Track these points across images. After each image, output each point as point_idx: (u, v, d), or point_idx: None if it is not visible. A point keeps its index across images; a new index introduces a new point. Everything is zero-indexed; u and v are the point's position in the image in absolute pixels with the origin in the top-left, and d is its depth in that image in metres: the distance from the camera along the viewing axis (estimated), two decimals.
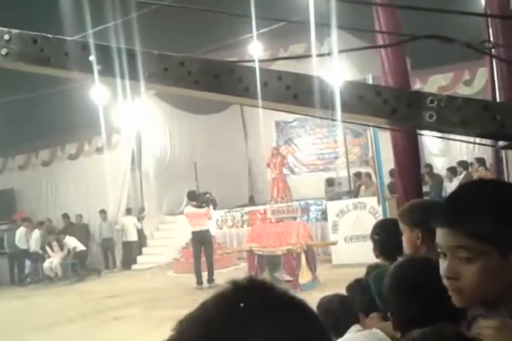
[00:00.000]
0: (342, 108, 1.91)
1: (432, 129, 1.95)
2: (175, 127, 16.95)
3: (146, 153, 16.36)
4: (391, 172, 12.45)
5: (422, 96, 1.95)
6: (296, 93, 1.91)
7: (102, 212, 16.18)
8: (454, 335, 1.41)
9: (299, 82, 2.00)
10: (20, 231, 15.69)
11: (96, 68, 1.97)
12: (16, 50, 2.00)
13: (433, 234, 2.34)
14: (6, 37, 2.01)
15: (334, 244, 11.25)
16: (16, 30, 2.06)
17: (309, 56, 5.95)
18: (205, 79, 1.93)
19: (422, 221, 2.40)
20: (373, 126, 2.77)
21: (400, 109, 1.91)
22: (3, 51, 2.01)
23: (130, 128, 15.73)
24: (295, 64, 8.24)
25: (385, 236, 3.07)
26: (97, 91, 13.58)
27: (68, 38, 2.06)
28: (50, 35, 1.99)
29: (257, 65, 2.12)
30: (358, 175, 13.47)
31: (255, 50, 12.37)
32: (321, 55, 4.80)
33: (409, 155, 3.13)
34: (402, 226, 2.55)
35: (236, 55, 12.78)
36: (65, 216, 16.48)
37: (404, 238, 2.55)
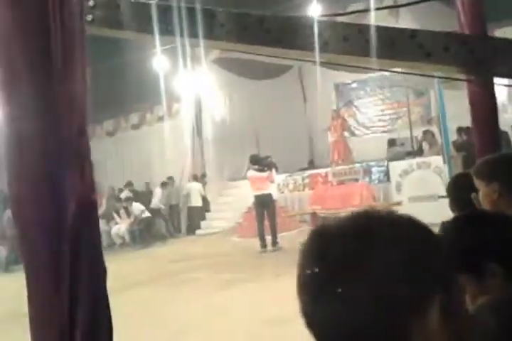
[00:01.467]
0: (426, 59, 1.87)
1: None
2: (234, 93, 16.98)
3: (207, 120, 16.52)
4: (459, 130, 12.17)
5: (509, 43, 1.88)
6: (378, 45, 1.89)
7: (169, 179, 16.56)
8: None
9: (379, 35, 1.97)
10: None
11: (175, 30, 2.00)
12: (101, 16, 2.06)
13: (510, 188, 2.29)
14: (91, 3, 2.07)
15: (398, 204, 11.15)
16: None
17: (367, 10, 5.80)
18: (286, 36, 1.92)
19: (498, 174, 2.35)
20: (449, 78, 2.69)
21: (487, 58, 1.86)
22: (89, 17, 2.07)
23: (190, 97, 15.89)
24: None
25: (458, 189, 3.03)
26: (158, 61, 13.76)
27: (146, 1, 2.10)
28: (131, 0, 2.05)
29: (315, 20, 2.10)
30: (426, 132, 13.23)
31: (315, 11, 12.13)
32: (380, 9, 4.67)
33: (487, 109, 3.03)
34: (477, 182, 2.48)
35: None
36: (129, 183, 16.98)
37: (480, 193, 2.50)
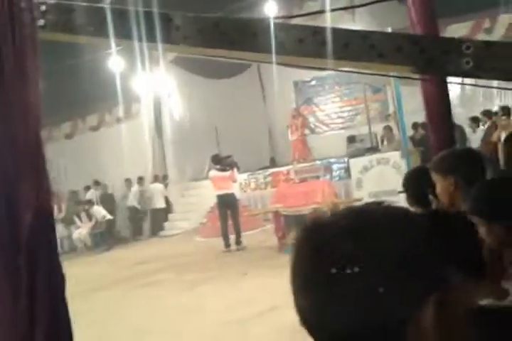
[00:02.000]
0: (379, 60, 1.92)
1: (469, 76, 1.95)
2: (193, 93, 16.93)
3: (167, 120, 16.43)
4: (414, 126, 12.41)
5: (458, 43, 1.95)
6: (333, 47, 1.93)
7: (127, 180, 16.40)
8: None
9: (333, 37, 2.01)
10: None
11: (132, 34, 2.00)
12: (54, 21, 2.04)
13: (467, 181, 2.38)
14: (43, 8, 2.04)
15: (359, 200, 11.27)
16: (52, 1, 2.08)
17: (323, 12, 5.84)
18: (242, 38, 1.94)
19: (454, 168, 2.44)
20: (404, 78, 2.75)
21: (437, 58, 1.92)
22: (41, 22, 2.04)
23: (149, 97, 15.77)
24: (311, 22, 8.12)
25: (414, 184, 3.11)
26: (115, 62, 13.60)
27: (101, 5, 2.08)
28: (85, 4, 2.02)
29: (272, 22, 2.13)
30: (387, 128, 13.44)
31: (270, 10, 12.19)
32: (336, 10, 4.73)
33: (440, 106, 3.12)
34: (435, 176, 2.57)
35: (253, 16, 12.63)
36: (97, 184, 16.79)
37: (438, 187, 2.58)
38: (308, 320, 0.77)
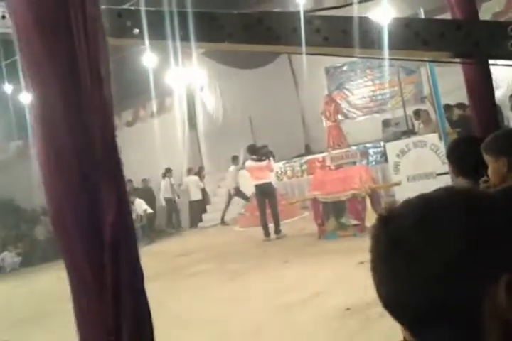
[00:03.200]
0: (424, 47, 1.93)
1: None
2: (226, 84, 16.98)
3: (201, 112, 16.52)
4: (447, 107, 12.21)
5: (503, 26, 1.94)
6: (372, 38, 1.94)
7: (168, 171, 16.58)
8: None
9: (376, 26, 2.02)
10: None
11: (178, 35, 2.05)
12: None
13: None
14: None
15: (398, 184, 11.21)
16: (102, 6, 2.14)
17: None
18: (286, 34, 1.98)
19: (506, 149, 2.43)
20: (446, 62, 2.74)
21: (482, 42, 1.92)
22: None
23: (182, 90, 15.87)
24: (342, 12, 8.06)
25: (461, 153, 3.08)
26: (148, 57, 13.71)
27: (146, 8, 2.13)
28: (132, 8, 2.08)
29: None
30: (417, 112, 13.25)
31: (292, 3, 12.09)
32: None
33: (483, 88, 3.09)
34: (487, 157, 2.55)
35: (281, 7, 12.57)
36: (129, 181, 16.99)
37: (490, 169, 2.57)
38: (390, 304, 0.82)
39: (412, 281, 0.76)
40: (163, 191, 16.61)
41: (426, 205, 0.81)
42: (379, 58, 2.53)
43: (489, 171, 2.58)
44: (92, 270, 1.29)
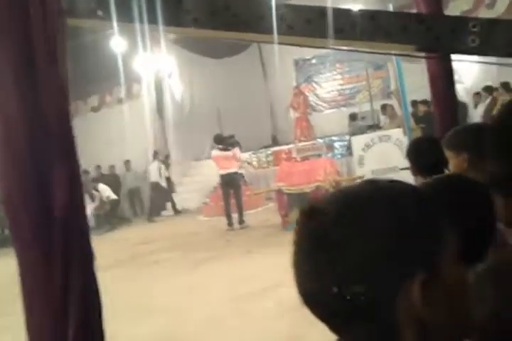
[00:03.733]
0: (386, 39, 1.95)
1: (474, 53, 1.99)
2: (194, 72, 16.88)
3: (168, 100, 16.39)
4: (413, 103, 12.40)
5: (465, 21, 1.98)
6: (342, 27, 1.96)
7: (127, 162, 16.43)
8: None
9: (341, 17, 2.04)
10: None
11: (142, 18, 2.02)
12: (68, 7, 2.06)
13: (480, 157, 2.40)
14: None
15: (361, 178, 11.32)
16: None
17: None
18: (253, 21, 1.97)
19: (467, 144, 2.46)
20: (409, 56, 2.78)
21: (443, 36, 1.95)
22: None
23: (150, 77, 15.70)
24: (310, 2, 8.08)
25: (420, 152, 3.12)
26: (116, 42, 13.51)
27: None
28: None
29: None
30: (383, 107, 13.42)
31: None
32: None
33: (445, 84, 3.15)
34: (448, 153, 2.56)
35: None
36: (98, 167, 16.78)
37: (451, 164, 2.60)
38: (310, 302, 0.82)
39: (331, 278, 0.75)
40: (129, 178, 16.48)
41: (347, 200, 0.79)
42: (342, 50, 2.55)
43: (450, 167, 2.62)
44: (40, 249, 1.28)
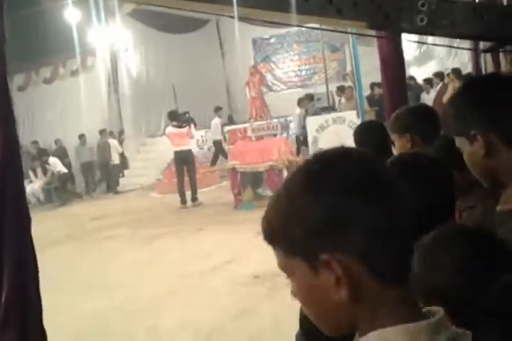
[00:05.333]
0: (337, 15, 1.97)
1: (422, 33, 2.02)
2: (151, 47, 16.60)
3: (123, 74, 16.09)
4: (372, 85, 12.54)
5: (414, 0, 2.01)
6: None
7: (81, 136, 16.10)
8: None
9: None
10: None
11: None
12: None
13: (423, 138, 2.46)
14: None
15: None
16: None
17: None
18: None
19: (410, 125, 2.51)
20: (361, 35, 2.81)
21: (392, 14, 1.97)
22: None
23: (104, 50, 15.37)
24: None
25: (364, 135, 3.18)
26: (70, 13, 13.13)
27: None
28: None
29: None
30: (341, 88, 13.51)
31: None
32: None
33: (395, 66, 3.19)
34: (393, 135, 2.61)
35: None
36: (36, 142, 16.30)
37: (395, 146, 2.65)
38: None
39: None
40: (84, 153, 16.18)
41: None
42: (297, 26, 2.55)
43: (395, 149, 2.67)
44: None
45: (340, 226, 0.73)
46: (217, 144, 14.92)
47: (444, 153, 1.90)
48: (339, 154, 0.79)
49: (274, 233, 0.79)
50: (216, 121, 14.96)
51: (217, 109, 15.17)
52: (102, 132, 15.84)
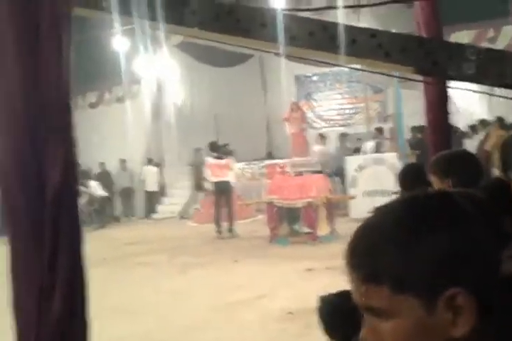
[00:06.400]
0: (385, 59, 1.99)
1: (470, 81, 2.03)
2: (195, 79, 16.92)
3: (167, 104, 16.43)
4: (413, 129, 12.50)
5: (463, 48, 2.02)
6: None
7: (122, 161, 16.42)
8: None
9: (342, 32, 2.08)
10: None
11: (148, 15, 2.05)
12: None
13: (463, 184, 2.43)
14: None
15: (353, 198, 11.37)
16: None
17: (330, 8, 5.88)
18: (254, 28, 2.01)
19: (451, 170, 2.48)
20: (407, 79, 2.83)
21: (441, 61, 1.99)
22: None
23: (150, 79, 15.76)
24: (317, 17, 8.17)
25: (411, 176, 3.17)
26: (119, 41, 13.56)
27: None
28: None
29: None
30: (379, 130, 13.48)
31: (277, 2, 12.09)
32: (343, 7, 4.80)
33: (440, 110, 3.19)
34: (433, 178, 2.57)
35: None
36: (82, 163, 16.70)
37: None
38: None
39: None
40: (124, 179, 16.49)
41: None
42: (344, 66, 2.59)
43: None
44: (32, 227, 1.30)
45: (462, 260, 0.73)
46: None
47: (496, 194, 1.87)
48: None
49: (378, 268, 0.76)
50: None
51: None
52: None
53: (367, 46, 2.00)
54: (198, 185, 14.88)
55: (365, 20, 12.94)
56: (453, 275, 0.72)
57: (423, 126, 11.36)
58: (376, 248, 0.76)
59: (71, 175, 1.37)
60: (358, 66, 2.90)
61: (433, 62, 2.05)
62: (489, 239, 0.74)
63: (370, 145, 13.66)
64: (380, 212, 0.80)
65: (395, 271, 0.74)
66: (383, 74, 2.84)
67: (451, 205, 0.76)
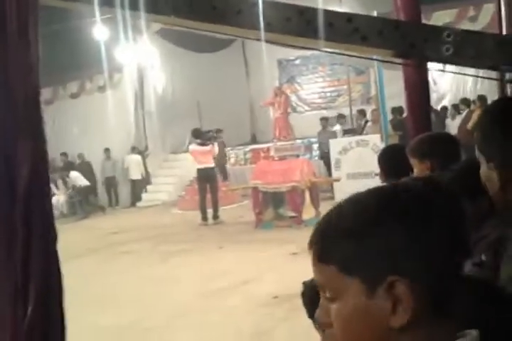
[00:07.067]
0: (362, 43, 1.99)
1: (447, 62, 2.03)
2: (177, 65, 16.80)
3: (149, 91, 16.31)
4: (393, 110, 12.54)
5: (439, 30, 2.02)
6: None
7: (106, 150, 16.32)
8: None
9: (319, 17, 2.07)
10: None
11: (120, 3, 2.02)
12: None
13: (442, 165, 2.46)
14: None
15: (337, 180, 11.42)
16: None
17: None
18: (231, 14, 1.99)
19: (430, 151, 2.52)
20: (386, 62, 2.84)
21: (418, 43, 1.99)
22: None
23: (132, 67, 15.62)
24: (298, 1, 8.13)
25: (390, 158, 3.19)
26: (99, 30, 13.40)
27: None
28: None
29: None
30: (361, 112, 13.50)
31: None
32: None
33: (420, 92, 3.20)
34: (412, 160, 2.62)
35: None
36: (64, 154, 16.55)
37: (415, 171, 2.65)
38: None
39: None
40: (107, 168, 16.40)
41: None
42: (323, 51, 2.59)
43: (414, 174, 2.67)
44: (2, 224, 1.28)
45: (416, 252, 0.75)
46: None
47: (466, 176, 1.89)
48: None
49: (330, 250, 0.80)
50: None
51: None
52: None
53: (344, 30, 1.99)
54: None
55: (347, 2, 12.91)
56: (394, 265, 0.75)
57: (401, 106, 11.50)
58: (333, 231, 0.80)
59: (42, 170, 1.36)
60: (339, 50, 2.89)
61: (410, 44, 2.06)
62: (440, 233, 0.76)
63: (337, 129, 13.80)
64: (349, 199, 0.83)
65: (344, 254, 0.77)
66: (363, 57, 2.84)
67: (409, 199, 0.78)
